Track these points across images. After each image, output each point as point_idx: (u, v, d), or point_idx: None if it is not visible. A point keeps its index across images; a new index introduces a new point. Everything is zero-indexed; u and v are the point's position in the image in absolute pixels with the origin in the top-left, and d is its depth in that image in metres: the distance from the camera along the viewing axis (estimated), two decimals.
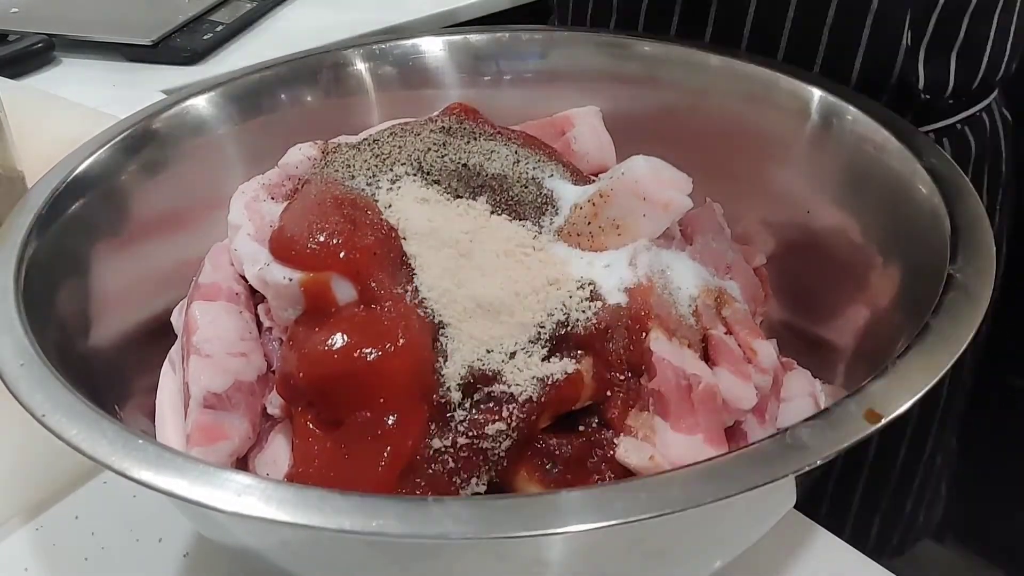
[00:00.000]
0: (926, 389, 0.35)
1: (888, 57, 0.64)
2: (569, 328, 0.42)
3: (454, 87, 0.62)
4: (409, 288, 0.43)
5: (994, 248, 0.42)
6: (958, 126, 0.69)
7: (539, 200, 0.48)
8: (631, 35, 0.64)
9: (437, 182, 0.48)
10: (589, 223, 0.46)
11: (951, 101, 0.68)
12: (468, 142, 0.50)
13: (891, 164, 0.49)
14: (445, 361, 0.41)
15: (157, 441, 0.38)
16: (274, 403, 0.44)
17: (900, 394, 0.35)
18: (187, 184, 0.55)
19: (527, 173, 0.49)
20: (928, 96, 0.66)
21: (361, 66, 0.62)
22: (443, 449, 0.40)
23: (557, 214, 0.48)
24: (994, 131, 0.72)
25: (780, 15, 0.64)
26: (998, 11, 0.66)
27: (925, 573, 1.04)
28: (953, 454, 0.85)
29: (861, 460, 0.78)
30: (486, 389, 0.40)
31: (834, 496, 0.79)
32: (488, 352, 0.41)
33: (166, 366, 0.49)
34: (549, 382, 0.41)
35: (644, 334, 0.43)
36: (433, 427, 0.40)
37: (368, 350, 0.40)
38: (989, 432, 0.90)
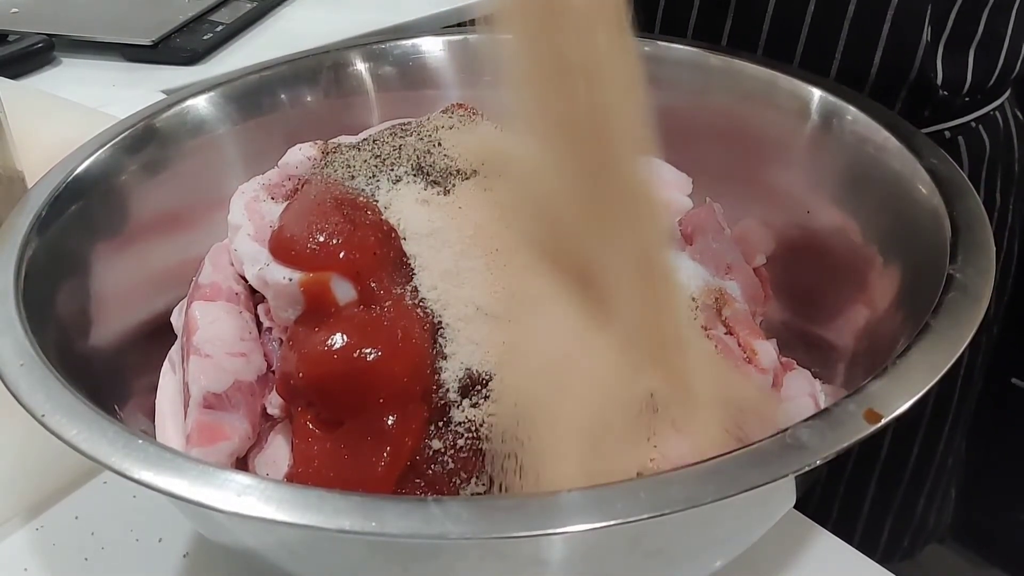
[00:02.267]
0: (926, 389, 0.35)
1: (907, 53, 0.63)
2: None
3: (454, 87, 0.62)
4: (409, 288, 0.43)
5: (994, 248, 0.42)
6: (973, 124, 0.69)
7: None
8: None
9: (437, 182, 0.48)
10: None
11: (967, 99, 0.68)
12: None
13: (891, 164, 0.49)
14: (444, 362, 0.41)
15: (157, 441, 0.38)
16: (274, 403, 0.44)
17: (900, 394, 0.35)
18: (187, 184, 0.55)
19: None
20: (946, 93, 0.66)
21: (361, 66, 0.62)
22: (443, 450, 0.40)
23: None
24: (1007, 130, 0.72)
25: (799, 10, 0.63)
26: (1016, 7, 0.66)
27: (928, 574, 1.04)
28: (962, 457, 0.85)
29: (872, 463, 0.78)
30: (484, 391, 0.40)
31: (844, 500, 0.79)
32: (487, 353, 0.41)
33: (166, 366, 0.49)
34: None
35: None
36: (433, 428, 0.40)
37: (368, 350, 0.40)
38: (993, 434, 0.90)
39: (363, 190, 0.47)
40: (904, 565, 0.85)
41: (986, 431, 0.89)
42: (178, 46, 1.01)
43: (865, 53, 0.63)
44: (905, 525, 0.82)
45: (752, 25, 0.65)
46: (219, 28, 1.04)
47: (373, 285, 0.42)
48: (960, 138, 0.69)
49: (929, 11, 0.63)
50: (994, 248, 0.42)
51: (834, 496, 0.78)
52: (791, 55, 0.65)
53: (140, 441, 0.34)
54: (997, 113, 0.71)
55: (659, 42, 0.61)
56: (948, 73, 0.65)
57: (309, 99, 0.61)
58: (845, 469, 0.77)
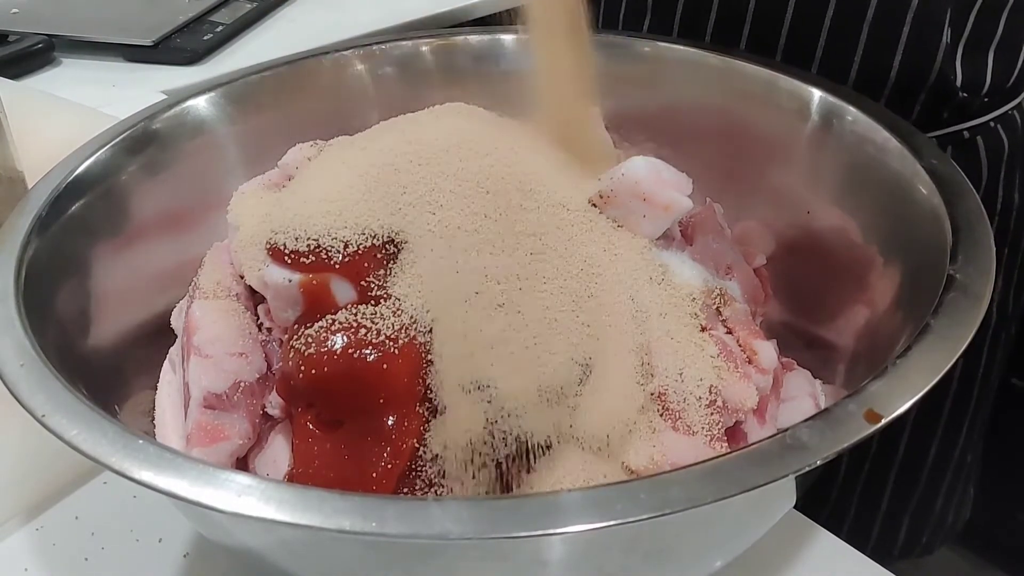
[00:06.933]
0: (926, 389, 0.35)
1: (927, 55, 0.63)
2: None
3: (454, 87, 0.62)
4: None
5: (994, 248, 0.42)
6: (991, 124, 0.69)
7: None
8: (631, 35, 0.64)
9: None
10: None
11: (986, 99, 0.68)
12: None
13: (891, 164, 0.49)
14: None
15: (157, 441, 0.38)
16: (274, 403, 0.44)
17: (900, 394, 0.35)
18: (187, 184, 0.55)
19: None
20: (965, 94, 0.66)
21: (361, 66, 0.62)
22: (442, 451, 0.40)
23: None
24: None
25: (818, 15, 0.63)
26: None
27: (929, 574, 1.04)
28: (980, 455, 0.85)
29: (890, 461, 0.78)
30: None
31: (862, 498, 0.79)
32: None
33: (166, 366, 0.49)
34: None
35: None
36: (432, 428, 0.40)
37: (368, 351, 0.40)
38: (993, 435, 0.90)
39: None
40: (905, 566, 0.85)
41: (986, 432, 0.89)
42: (178, 46, 1.01)
43: (885, 56, 0.63)
44: (923, 523, 0.82)
45: (771, 30, 0.65)
46: (219, 28, 1.05)
47: (373, 285, 0.42)
48: (979, 138, 0.69)
49: (949, 13, 0.63)
50: (994, 248, 0.42)
51: (852, 493, 0.79)
52: (810, 59, 0.65)
53: (140, 441, 0.34)
54: (1015, 112, 0.71)
55: (659, 42, 0.61)
56: (968, 74, 0.65)
57: (309, 99, 0.61)
58: (863, 468, 0.78)
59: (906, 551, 0.83)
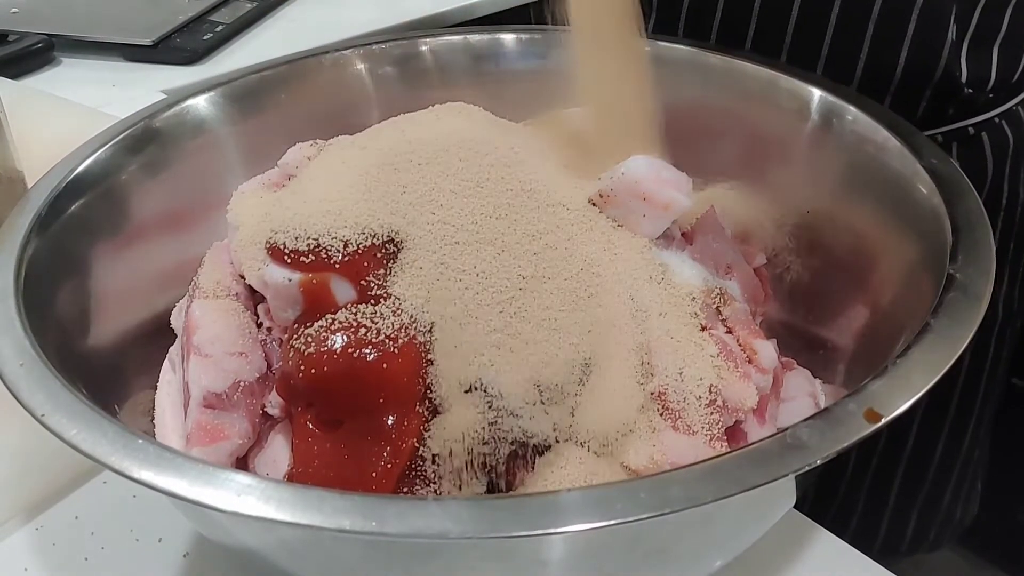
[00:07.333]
0: (926, 389, 0.35)
1: (933, 52, 0.64)
2: None
3: (454, 87, 0.62)
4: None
5: (994, 247, 0.42)
6: (996, 120, 0.70)
7: None
8: None
9: None
10: None
11: (991, 95, 0.68)
12: None
13: (891, 164, 0.49)
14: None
15: (157, 441, 0.38)
16: (274, 403, 0.44)
17: (900, 394, 0.35)
18: (187, 184, 0.55)
19: None
20: (971, 90, 0.66)
21: (361, 66, 0.62)
22: (442, 451, 0.40)
23: None
24: None
25: (824, 13, 0.64)
26: None
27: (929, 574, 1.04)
28: (987, 451, 0.85)
29: (898, 457, 0.78)
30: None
31: (870, 493, 0.79)
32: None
33: (166, 366, 0.49)
34: None
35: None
36: (432, 428, 0.40)
37: (368, 350, 0.40)
38: (992, 435, 0.90)
39: None
40: (906, 566, 0.85)
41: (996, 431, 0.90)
42: (178, 46, 1.01)
43: (890, 53, 0.64)
44: (931, 519, 0.83)
45: (776, 29, 0.65)
46: (219, 28, 1.05)
47: (372, 285, 0.42)
48: (984, 134, 0.69)
49: (954, 10, 0.63)
50: (994, 248, 0.42)
51: (859, 490, 0.79)
52: (816, 57, 0.65)
53: (140, 441, 0.34)
54: (1020, 108, 0.71)
55: (659, 42, 0.61)
56: (973, 71, 0.66)
57: (309, 99, 0.61)
58: (871, 464, 0.78)
59: (914, 547, 0.83)
